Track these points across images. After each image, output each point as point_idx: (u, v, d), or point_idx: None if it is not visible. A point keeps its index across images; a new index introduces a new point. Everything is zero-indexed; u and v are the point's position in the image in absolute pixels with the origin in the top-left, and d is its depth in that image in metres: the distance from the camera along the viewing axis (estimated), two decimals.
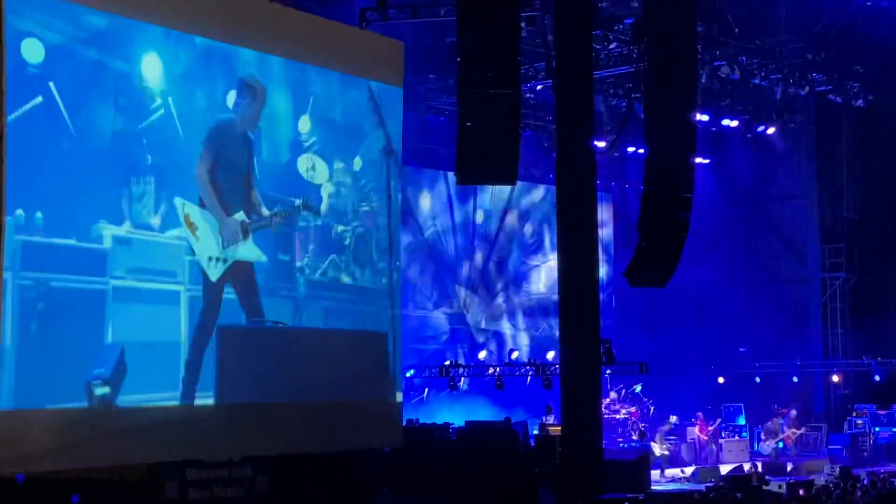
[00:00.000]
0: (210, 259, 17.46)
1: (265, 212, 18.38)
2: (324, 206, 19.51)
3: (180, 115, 17.08)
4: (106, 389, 15.45)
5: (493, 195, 31.26)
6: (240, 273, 17.92)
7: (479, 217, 31.42)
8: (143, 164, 16.54)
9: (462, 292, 31.32)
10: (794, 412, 28.75)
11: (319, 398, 18.53)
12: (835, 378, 31.00)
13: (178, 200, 17.00)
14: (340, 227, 19.87)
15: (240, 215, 17.94)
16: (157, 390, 16.37)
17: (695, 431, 28.22)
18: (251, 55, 18.13)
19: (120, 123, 16.24)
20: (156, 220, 16.63)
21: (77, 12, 15.55)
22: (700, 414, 28.71)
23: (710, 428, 28.42)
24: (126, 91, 16.33)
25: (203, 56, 17.52)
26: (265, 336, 18.32)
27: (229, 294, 17.71)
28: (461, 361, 28.85)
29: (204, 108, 17.59)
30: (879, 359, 29.80)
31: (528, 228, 32.49)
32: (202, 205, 17.38)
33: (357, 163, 20.08)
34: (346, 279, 19.86)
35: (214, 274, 17.49)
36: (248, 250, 18.06)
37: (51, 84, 15.22)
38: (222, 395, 17.16)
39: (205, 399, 16.93)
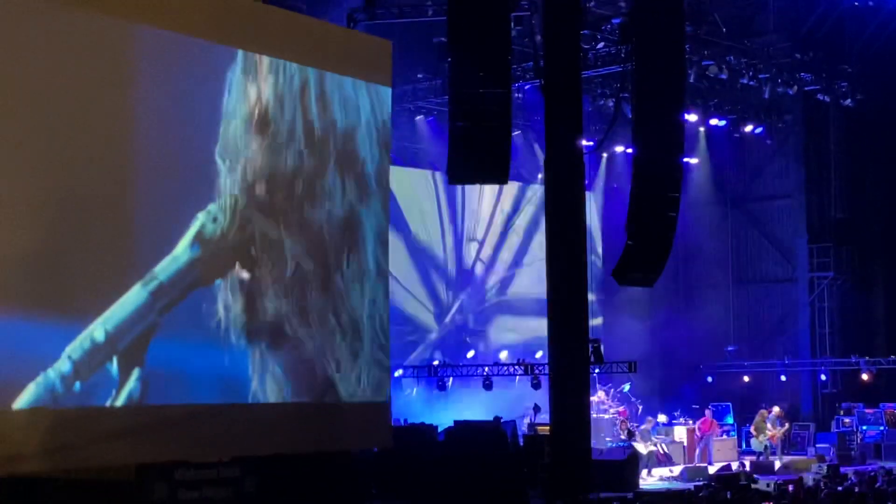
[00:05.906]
0: None
1: None
2: None
3: None
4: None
5: (480, 195, 31.25)
6: None
7: (468, 216, 31.44)
8: None
9: (450, 292, 31.31)
10: (776, 409, 28.69)
11: (308, 398, 18.46)
12: (822, 377, 31.05)
13: None
14: None
15: None
16: None
17: (695, 429, 27.88)
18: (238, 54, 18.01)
19: None
20: None
21: None
22: (708, 412, 28.44)
23: (714, 426, 28.12)
24: None
25: None
26: None
27: None
28: (449, 361, 28.83)
29: None
30: (867, 357, 29.81)
31: (516, 228, 32.48)
32: None
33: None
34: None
35: None
36: None
37: None
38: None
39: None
